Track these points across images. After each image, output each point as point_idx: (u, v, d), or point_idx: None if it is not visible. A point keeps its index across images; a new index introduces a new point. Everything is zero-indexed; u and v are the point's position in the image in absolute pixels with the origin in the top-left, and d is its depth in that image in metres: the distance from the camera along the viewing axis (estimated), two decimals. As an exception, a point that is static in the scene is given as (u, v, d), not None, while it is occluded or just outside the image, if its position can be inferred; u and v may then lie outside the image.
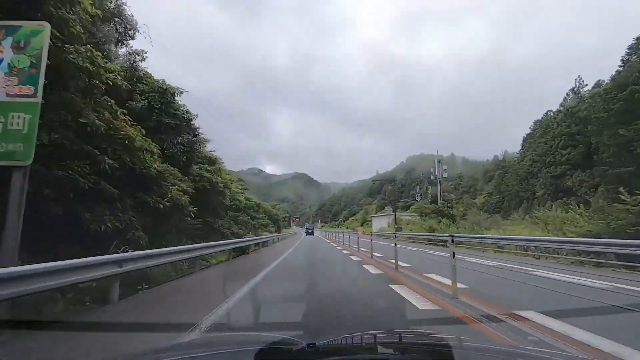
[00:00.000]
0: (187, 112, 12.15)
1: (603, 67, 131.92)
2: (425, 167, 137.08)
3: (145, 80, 11.23)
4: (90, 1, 6.56)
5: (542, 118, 53.71)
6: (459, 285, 5.66)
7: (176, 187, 9.63)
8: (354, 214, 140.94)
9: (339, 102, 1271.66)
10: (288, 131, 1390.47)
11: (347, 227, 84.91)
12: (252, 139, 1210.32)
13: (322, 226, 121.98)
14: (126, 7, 10.67)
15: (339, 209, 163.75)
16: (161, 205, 8.45)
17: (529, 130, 57.12)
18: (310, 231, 53.21)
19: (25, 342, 3.54)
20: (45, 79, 4.77)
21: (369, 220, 79.48)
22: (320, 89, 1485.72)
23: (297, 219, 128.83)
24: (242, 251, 14.92)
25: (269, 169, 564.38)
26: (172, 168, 9.85)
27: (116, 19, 10.41)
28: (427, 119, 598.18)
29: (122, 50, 11.39)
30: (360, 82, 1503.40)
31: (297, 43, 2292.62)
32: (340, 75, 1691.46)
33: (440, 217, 29.57)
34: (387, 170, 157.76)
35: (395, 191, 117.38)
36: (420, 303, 5.15)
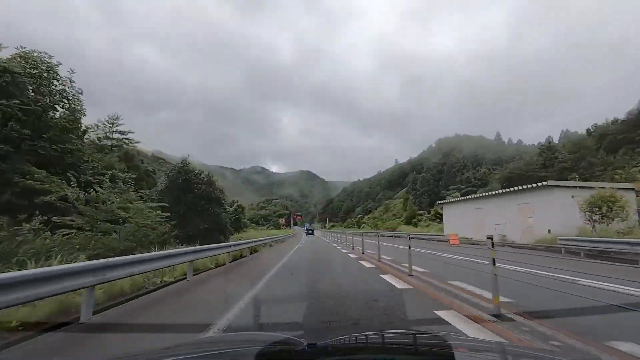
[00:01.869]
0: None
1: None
2: (470, 146, 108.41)
3: None
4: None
5: None
6: None
7: None
8: (370, 212, 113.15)
9: (345, 100, 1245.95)
10: (293, 130, 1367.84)
11: (372, 228, 57.52)
12: (257, 138, 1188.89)
13: (332, 226, 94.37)
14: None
15: (351, 205, 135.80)
16: None
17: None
18: (310, 231, 54.40)
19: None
20: None
21: (421, 215, 50.29)
22: (326, 86, 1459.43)
23: (299, 217, 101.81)
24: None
25: (274, 169, 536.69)
26: None
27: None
28: (440, 114, 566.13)
29: None
30: (368, 78, 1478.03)
31: (302, 38, 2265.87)
32: (347, 71, 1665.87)
33: None
34: (410, 157, 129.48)
35: (431, 179, 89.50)
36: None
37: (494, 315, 4.03)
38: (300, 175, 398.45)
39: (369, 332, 1.60)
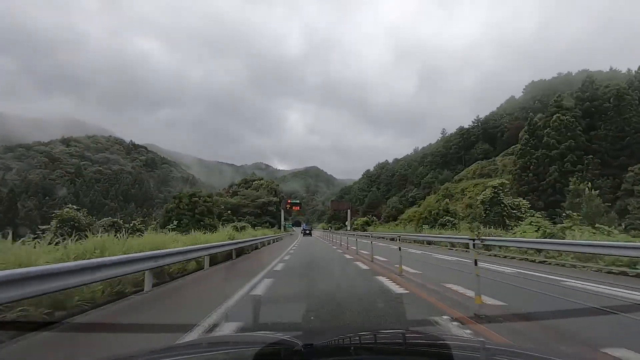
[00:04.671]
0: None
1: None
2: (606, 82, 65.27)
3: None
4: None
5: None
6: None
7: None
8: (414, 203, 70.38)
9: (355, 96, 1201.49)
10: (300, 128, 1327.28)
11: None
12: (262, 136, 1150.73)
13: (366, 223, 51.39)
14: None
15: (378, 194, 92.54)
16: None
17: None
18: (307, 231, 52.49)
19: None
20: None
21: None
22: (335, 82, 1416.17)
23: (296, 207, 59.60)
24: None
25: (279, 167, 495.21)
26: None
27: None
28: (455, 111, 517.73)
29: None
30: (379, 73, 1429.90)
31: (310, 28, 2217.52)
32: (357, 66, 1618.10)
33: None
34: (477, 117, 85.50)
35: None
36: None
37: None
38: (306, 171, 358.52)
39: (366, 333, 1.57)
